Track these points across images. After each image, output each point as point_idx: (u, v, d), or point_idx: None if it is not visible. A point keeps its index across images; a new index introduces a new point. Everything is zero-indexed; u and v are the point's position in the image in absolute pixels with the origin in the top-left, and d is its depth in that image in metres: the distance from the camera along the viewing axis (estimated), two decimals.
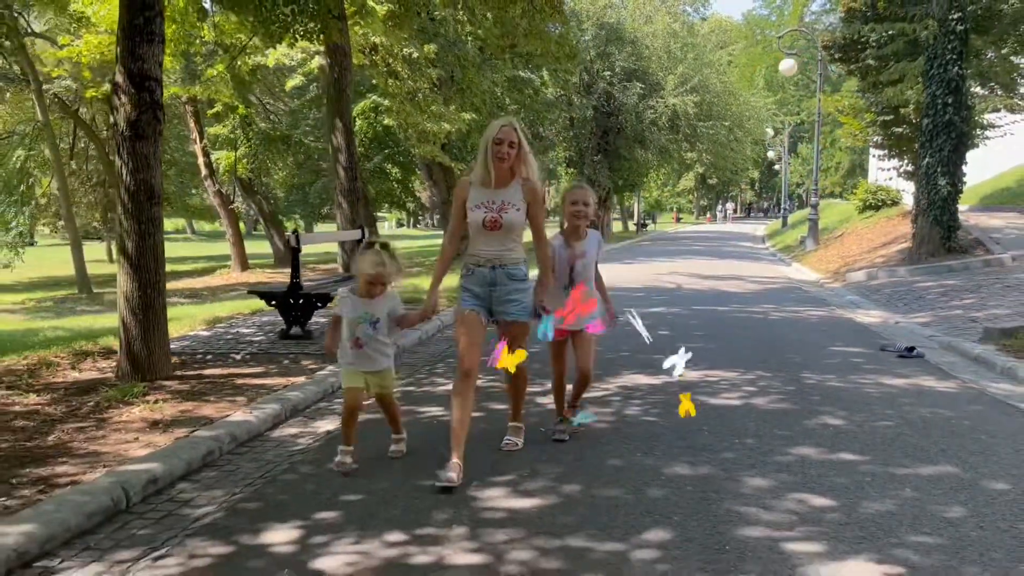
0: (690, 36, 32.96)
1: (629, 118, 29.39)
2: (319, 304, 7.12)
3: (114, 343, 7.24)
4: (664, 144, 29.91)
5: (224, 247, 45.14)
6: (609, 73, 29.16)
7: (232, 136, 23.41)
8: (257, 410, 4.73)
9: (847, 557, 2.80)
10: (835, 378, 5.86)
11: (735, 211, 69.37)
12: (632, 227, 46.22)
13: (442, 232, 49.36)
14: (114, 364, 6.32)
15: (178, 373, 5.96)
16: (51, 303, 17.66)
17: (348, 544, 2.96)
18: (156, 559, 2.83)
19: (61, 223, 35.53)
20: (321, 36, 7.75)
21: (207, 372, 6.05)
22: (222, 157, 23.95)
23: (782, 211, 38.40)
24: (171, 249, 34.38)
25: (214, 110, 21.45)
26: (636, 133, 29.97)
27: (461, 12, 10.34)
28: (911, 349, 7.00)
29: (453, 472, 3.52)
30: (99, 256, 34.77)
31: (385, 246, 3.88)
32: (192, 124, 23.20)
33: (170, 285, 22.79)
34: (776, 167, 62.58)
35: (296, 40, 7.73)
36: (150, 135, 5.62)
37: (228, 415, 4.71)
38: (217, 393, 5.36)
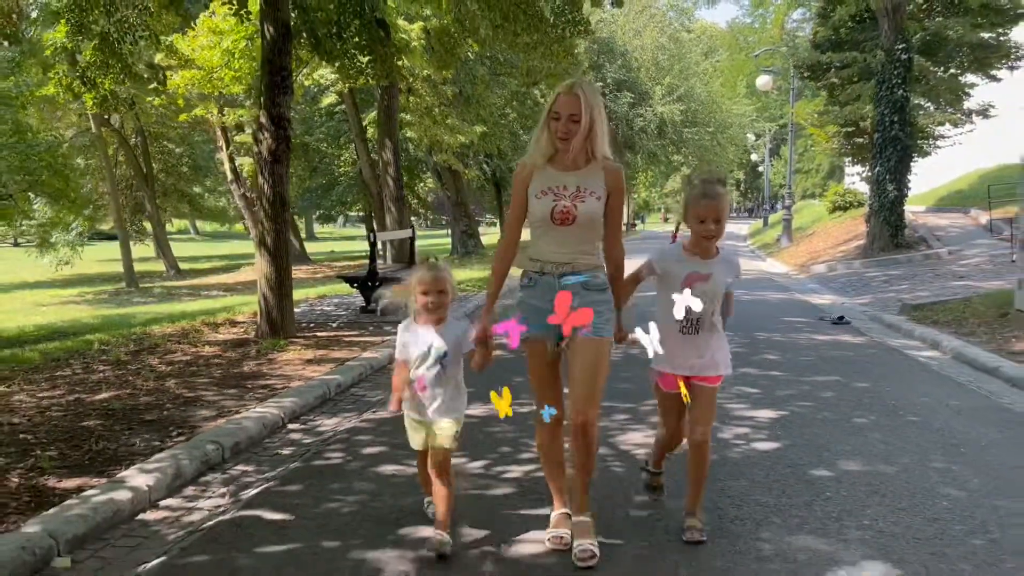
0: (677, 48, 35.31)
1: (620, 125, 31.68)
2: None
3: (235, 316, 9.41)
4: (652, 149, 32.22)
5: (230, 246, 46.91)
6: (601, 84, 31.40)
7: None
8: (378, 351, 6.89)
9: (759, 410, 5.01)
10: (779, 335, 8.08)
11: None
12: (624, 227, 48.53)
13: (439, 231, 51.09)
14: (243, 330, 8.47)
15: (299, 334, 8.09)
16: (106, 296, 19.71)
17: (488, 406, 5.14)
18: (373, 412, 5.00)
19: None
20: (385, 78, 9.89)
21: (319, 334, 8.20)
22: (245, 163, 25.98)
23: (763, 211, 40.82)
24: (181, 249, 36.72)
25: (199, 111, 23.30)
26: (626, 139, 32.26)
27: (492, 61, 12.44)
28: (841, 318, 9.23)
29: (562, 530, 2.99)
30: (117, 256, 36.70)
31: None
32: (219, 133, 25.20)
33: (204, 281, 24.90)
34: (760, 169, 65.07)
35: (368, 81, 9.87)
36: (284, 160, 7.76)
37: (358, 355, 6.86)
38: (337, 345, 7.50)
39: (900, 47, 15.21)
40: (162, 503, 3.55)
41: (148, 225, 29.59)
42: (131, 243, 34.83)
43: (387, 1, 11.23)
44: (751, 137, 41.89)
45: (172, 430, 4.66)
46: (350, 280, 9.34)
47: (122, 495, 3.39)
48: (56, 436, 4.54)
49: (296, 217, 50.91)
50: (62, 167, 10.15)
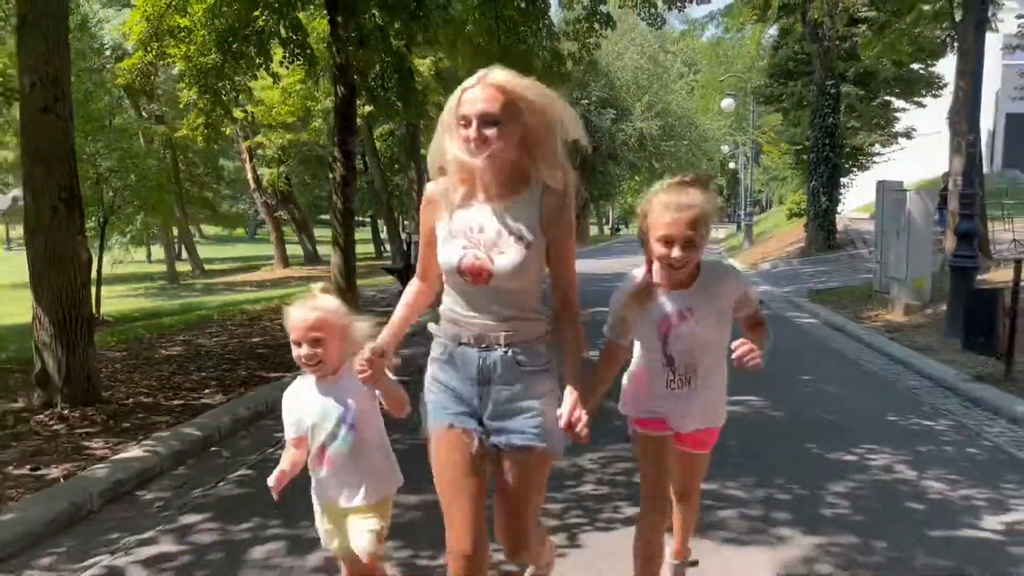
0: (655, 67, 38.57)
1: (604, 139, 34.88)
2: None
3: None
4: (633, 161, 35.43)
5: (237, 249, 49.71)
6: (586, 101, 34.59)
7: (276, 156, 28.42)
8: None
9: None
10: None
11: None
12: (607, 231, 51.85)
13: None
14: None
15: (364, 311, 11.12)
16: (156, 290, 22.66)
17: None
18: None
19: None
20: (416, 116, 12.91)
21: (376, 309, 11.24)
22: (265, 173, 28.94)
23: (737, 217, 44.17)
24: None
25: (259, 139, 26.29)
26: (609, 151, 35.47)
27: None
28: (760, 301, 12.35)
29: None
30: (139, 256, 39.46)
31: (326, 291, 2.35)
32: (243, 147, 28.17)
33: (233, 279, 27.76)
34: (740, 176, 68.55)
35: (403, 119, 12.88)
36: (351, 183, 10.80)
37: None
38: None
39: (830, 83, 18.41)
40: None
41: (175, 229, 32.41)
42: (156, 245, 37.77)
43: (411, 52, 14.32)
44: (725, 149, 45.26)
45: None
46: (391, 271, 12.40)
47: None
48: (246, 356, 7.58)
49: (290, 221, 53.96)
50: (166, 182, 13.05)
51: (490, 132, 1.88)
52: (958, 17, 12.26)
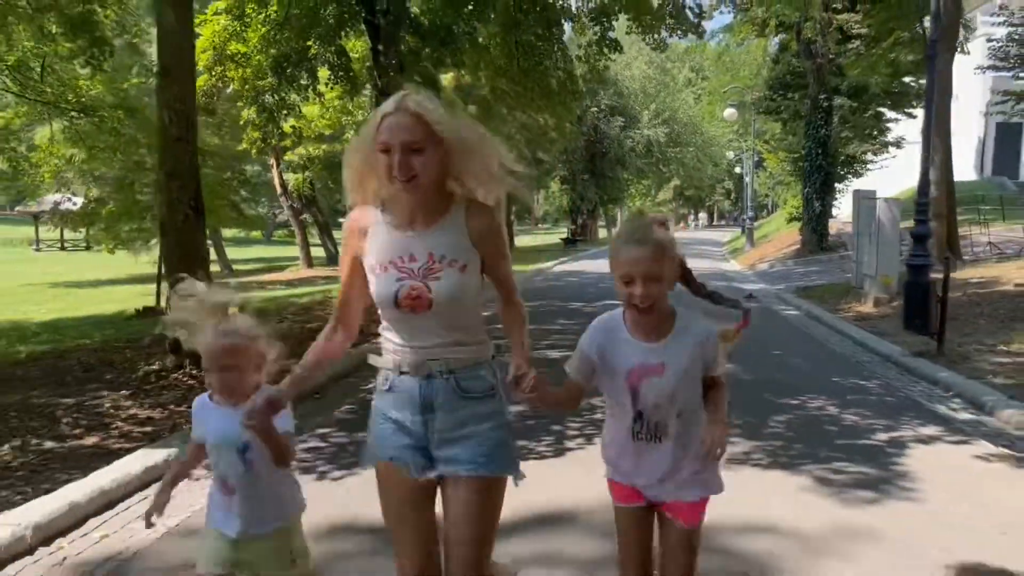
0: (663, 76, 40.07)
1: (612, 145, 36.38)
2: None
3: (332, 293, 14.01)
4: (641, 167, 36.90)
5: (255, 251, 51.44)
6: (596, 109, 36.09)
7: (302, 162, 30.00)
8: None
9: None
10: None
11: (708, 220, 76.66)
12: (615, 233, 53.52)
13: None
14: None
15: None
16: None
17: None
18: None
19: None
20: None
21: None
22: (291, 178, 30.52)
23: (741, 221, 45.63)
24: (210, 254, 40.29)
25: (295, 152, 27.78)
26: (618, 157, 36.95)
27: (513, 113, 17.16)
28: (750, 295, 13.77)
29: None
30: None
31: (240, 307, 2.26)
32: (273, 155, 29.72)
33: (261, 278, 29.22)
34: (746, 180, 69.89)
35: None
36: None
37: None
38: None
39: (823, 96, 19.83)
40: None
41: None
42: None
43: (438, 72, 15.85)
44: (729, 155, 46.71)
45: None
46: None
47: None
48: (312, 336, 9.06)
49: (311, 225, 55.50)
50: (220, 188, 14.59)
51: (415, 160, 1.85)
52: None
